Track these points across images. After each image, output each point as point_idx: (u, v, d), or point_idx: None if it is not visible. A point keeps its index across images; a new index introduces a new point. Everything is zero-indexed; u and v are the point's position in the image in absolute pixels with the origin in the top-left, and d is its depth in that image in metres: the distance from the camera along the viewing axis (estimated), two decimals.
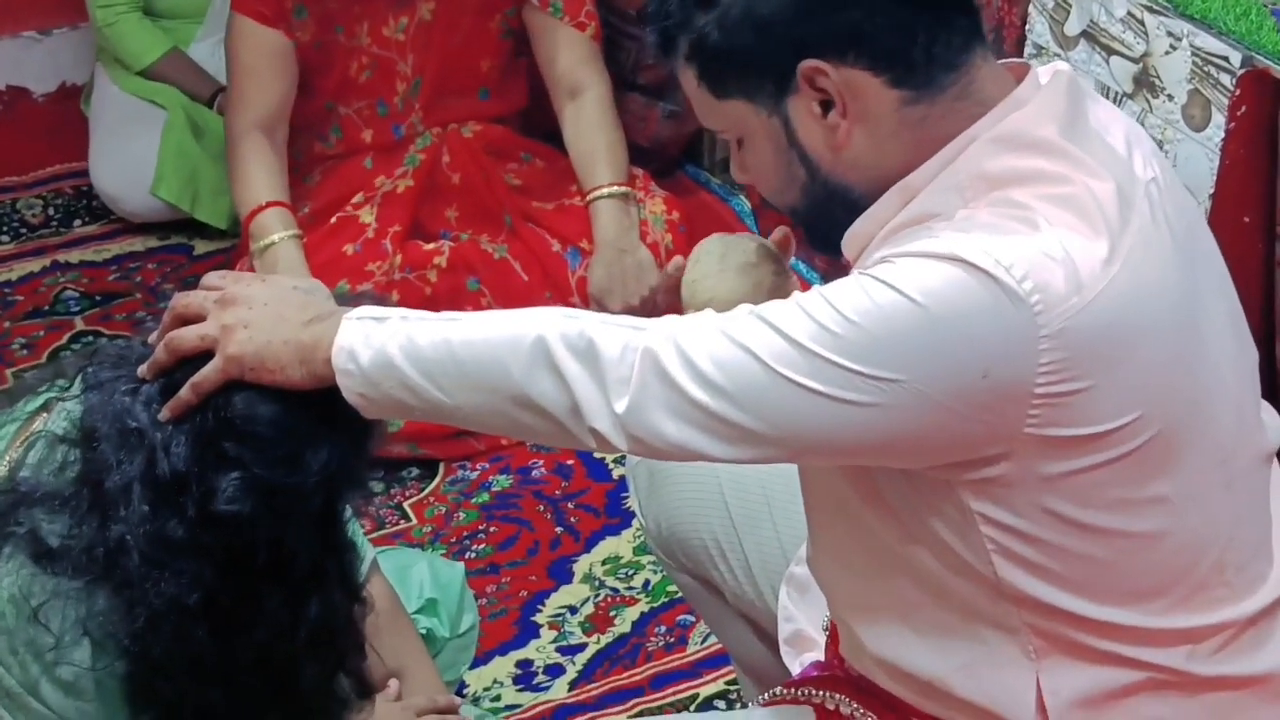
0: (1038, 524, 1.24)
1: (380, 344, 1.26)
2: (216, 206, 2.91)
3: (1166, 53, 2.01)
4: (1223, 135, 1.95)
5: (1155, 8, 2.00)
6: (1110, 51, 2.08)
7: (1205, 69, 1.97)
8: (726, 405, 1.20)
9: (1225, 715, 1.33)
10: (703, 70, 1.29)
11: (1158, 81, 2.02)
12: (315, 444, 1.34)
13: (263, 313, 1.28)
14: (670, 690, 2.17)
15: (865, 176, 1.28)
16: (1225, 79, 1.94)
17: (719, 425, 1.21)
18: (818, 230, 1.35)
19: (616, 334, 1.23)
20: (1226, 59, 1.94)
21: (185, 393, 1.29)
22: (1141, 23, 2.03)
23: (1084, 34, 2.11)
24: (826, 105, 1.26)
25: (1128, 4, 2.04)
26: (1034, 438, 1.20)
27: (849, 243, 1.32)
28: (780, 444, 1.22)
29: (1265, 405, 1.41)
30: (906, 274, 1.18)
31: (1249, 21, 1.93)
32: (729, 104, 1.30)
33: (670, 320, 1.25)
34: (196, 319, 1.31)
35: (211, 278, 1.35)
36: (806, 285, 3.00)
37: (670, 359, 1.21)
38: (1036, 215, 1.20)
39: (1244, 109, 1.93)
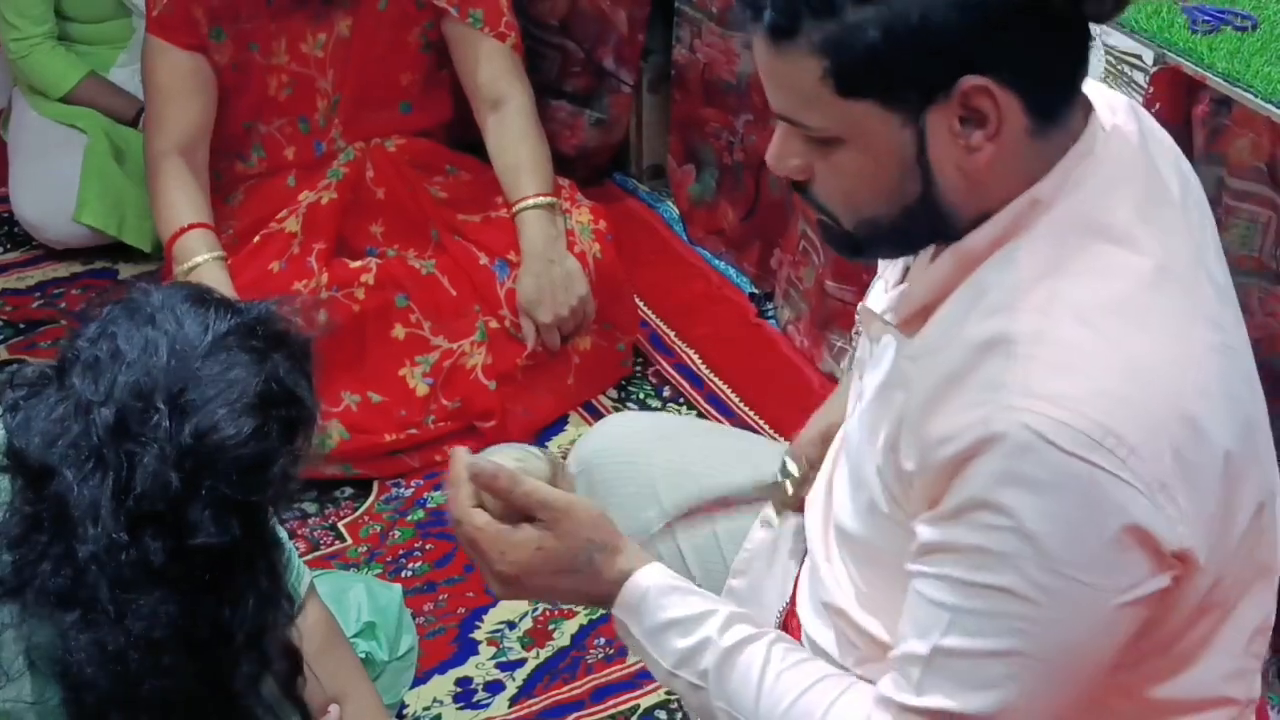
0: None
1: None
2: (142, 229, 2.89)
3: None
4: None
5: None
6: None
7: (1119, 67, 1.99)
8: None
9: None
10: (838, 69, 1.18)
11: None
12: (275, 455, 1.35)
13: (540, 589, 1.40)
14: (611, 702, 2.17)
15: (969, 206, 1.23)
16: (1139, 77, 1.97)
17: None
18: (880, 246, 1.30)
19: None
20: (1139, 57, 1.96)
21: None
22: None
23: None
24: (965, 122, 1.19)
25: None
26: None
27: (902, 304, 1.29)
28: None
29: None
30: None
31: (1160, 20, 1.96)
32: (853, 104, 1.19)
33: None
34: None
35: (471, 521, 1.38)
36: (738, 292, 2.99)
37: None
38: (1106, 335, 1.18)
39: (1158, 106, 1.96)
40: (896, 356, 1.31)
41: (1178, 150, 1.33)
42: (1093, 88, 1.29)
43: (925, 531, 1.23)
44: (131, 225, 2.89)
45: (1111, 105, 1.28)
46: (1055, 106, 1.22)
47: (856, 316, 1.44)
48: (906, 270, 1.34)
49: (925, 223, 1.24)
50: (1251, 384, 1.29)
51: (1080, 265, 1.20)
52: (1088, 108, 1.26)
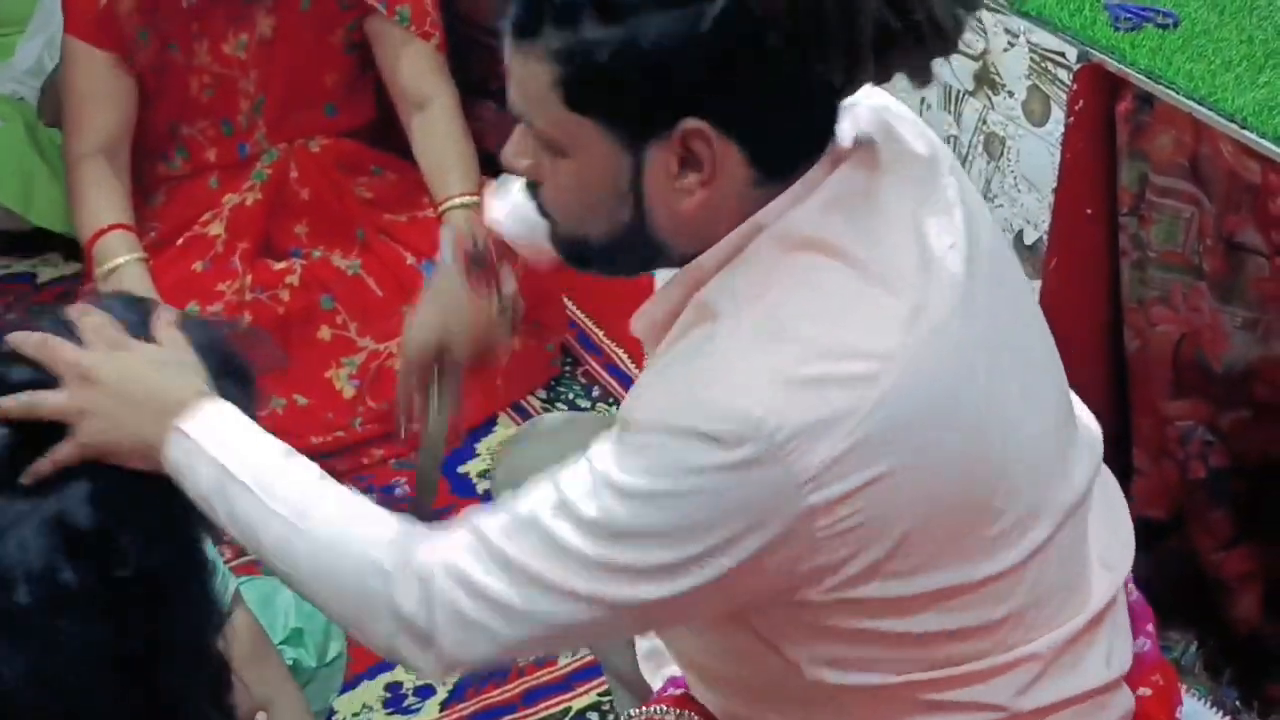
0: (838, 635, 1.26)
1: (199, 483, 1.30)
2: (54, 210, 2.77)
3: (1005, 49, 2.04)
4: (1062, 129, 1.99)
5: (992, 5, 2.03)
6: None
7: (1043, 65, 2.00)
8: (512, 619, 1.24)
9: None
10: (567, 80, 1.19)
11: (998, 78, 2.05)
12: None
13: (112, 401, 1.27)
14: (542, 705, 2.16)
15: (685, 240, 1.25)
16: (1063, 74, 1.98)
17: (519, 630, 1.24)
18: (591, 264, 1.31)
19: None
20: (1063, 54, 1.97)
21: (45, 465, 1.25)
22: (979, 21, 2.05)
23: None
24: (683, 164, 1.20)
25: None
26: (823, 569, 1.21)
27: (641, 323, 1.31)
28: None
29: (1081, 418, 1.41)
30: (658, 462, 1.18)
31: (1083, 17, 1.97)
32: (577, 118, 1.21)
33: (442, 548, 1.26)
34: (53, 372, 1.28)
35: (80, 321, 1.30)
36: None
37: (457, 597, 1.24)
38: (800, 340, 1.18)
39: (1081, 103, 1.97)
40: None
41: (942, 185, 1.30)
42: (890, 104, 1.31)
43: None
44: (41, 205, 2.80)
45: (866, 134, 1.27)
46: (783, 162, 1.22)
47: None
48: None
49: (635, 249, 1.26)
50: (1024, 397, 1.27)
51: (786, 275, 1.21)
52: (830, 148, 1.25)
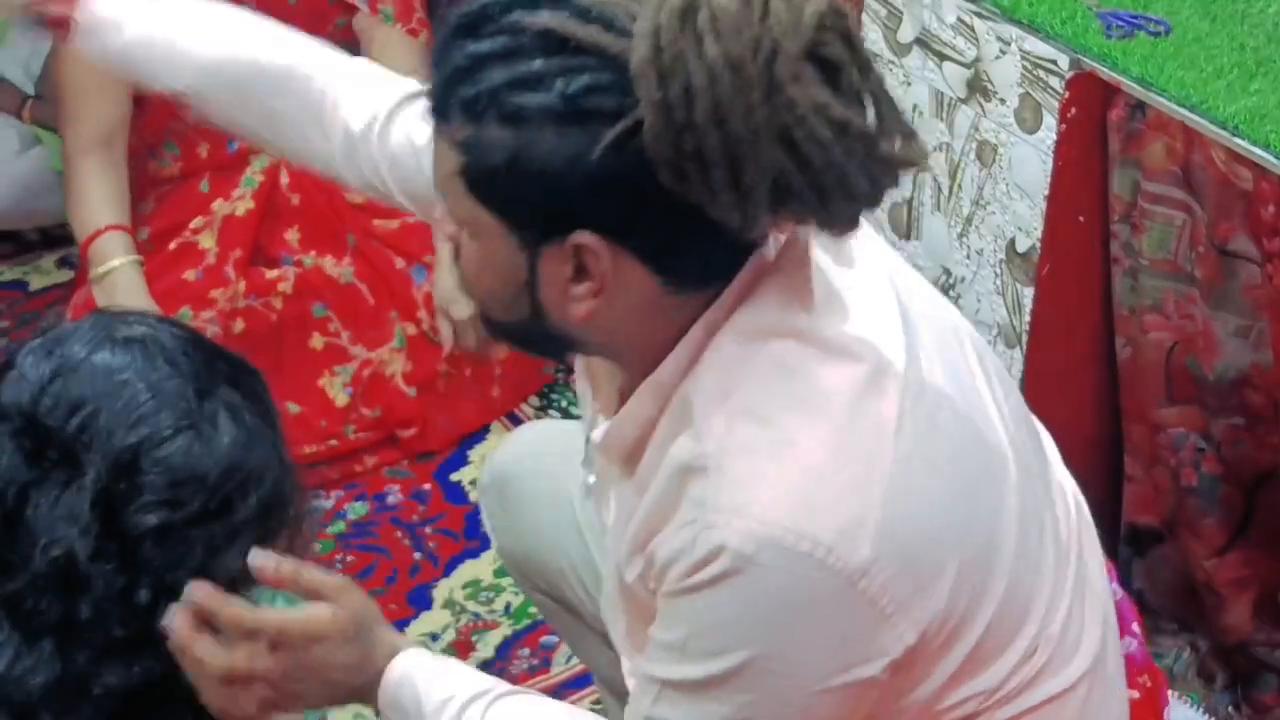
0: None
1: None
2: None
3: (997, 57, 2.04)
4: (1054, 137, 1.99)
5: (984, 13, 2.03)
6: (943, 58, 2.11)
7: (1035, 72, 2.00)
8: None
9: None
10: (469, 170, 1.20)
11: (990, 86, 2.06)
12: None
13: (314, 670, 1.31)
14: None
15: (598, 338, 1.25)
16: (1054, 82, 1.98)
17: None
18: (513, 343, 1.35)
19: None
20: (1055, 62, 1.98)
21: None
22: (971, 28, 2.06)
23: (917, 41, 2.14)
24: (576, 272, 1.20)
25: (958, 10, 2.06)
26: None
27: (610, 444, 1.29)
28: None
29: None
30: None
31: (1075, 25, 1.97)
32: (478, 207, 1.21)
33: None
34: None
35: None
36: None
37: None
38: (788, 436, 1.19)
39: (1074, 111, 1.97)
40: (621, 491, 1.32)
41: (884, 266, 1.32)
42: None
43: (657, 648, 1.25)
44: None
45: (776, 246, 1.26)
46: (697, 275, 1.22)
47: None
48: (621, 395, 1.33)
49: (542, 340, 1.27)
50: (981, 438, 1.28)
51: (759, 368, 1.21)
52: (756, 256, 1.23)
